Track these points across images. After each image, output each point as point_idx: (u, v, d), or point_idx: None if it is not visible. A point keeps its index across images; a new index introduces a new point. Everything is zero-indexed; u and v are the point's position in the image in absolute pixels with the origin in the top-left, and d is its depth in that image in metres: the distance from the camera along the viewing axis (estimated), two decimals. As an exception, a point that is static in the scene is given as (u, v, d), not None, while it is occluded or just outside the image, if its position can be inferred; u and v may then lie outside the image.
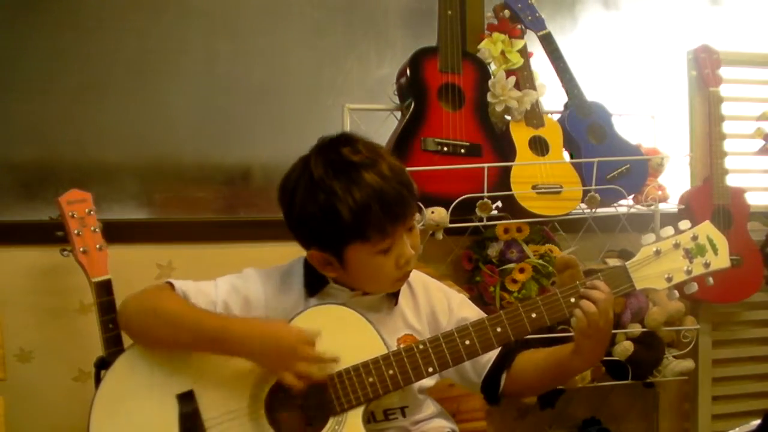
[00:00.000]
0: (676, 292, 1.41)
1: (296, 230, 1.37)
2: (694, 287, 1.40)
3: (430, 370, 1.35)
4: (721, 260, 1.39)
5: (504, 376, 1.46)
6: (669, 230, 1.40)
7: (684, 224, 1.40)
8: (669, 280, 1.38)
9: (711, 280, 1.40)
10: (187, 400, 1.32)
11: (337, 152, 1.32)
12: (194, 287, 1.38)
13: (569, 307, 1.36)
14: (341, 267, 1.36)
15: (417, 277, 1.52)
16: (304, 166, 1.33)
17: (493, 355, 1.46)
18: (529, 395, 1.97)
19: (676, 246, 1.38)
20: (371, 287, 1.41)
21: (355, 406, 1.32)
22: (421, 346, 1.35)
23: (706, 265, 1.38)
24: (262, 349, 1.28)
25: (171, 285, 1.37)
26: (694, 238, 1.39)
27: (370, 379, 1.33)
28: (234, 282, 1.41)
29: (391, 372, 1.33)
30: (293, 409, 1.34)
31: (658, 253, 1.38)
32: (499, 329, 1.36)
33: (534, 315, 1.36)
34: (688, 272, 1.38)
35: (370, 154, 1.32)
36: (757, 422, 1.51)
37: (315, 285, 1.42)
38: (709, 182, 2.31)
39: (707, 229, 1.40)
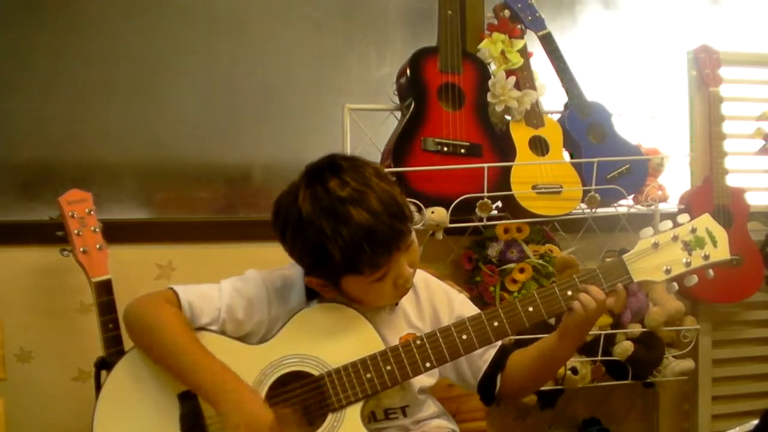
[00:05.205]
0: (675, 284, 1.40)
1: (292, 258, 1.38)
2: (694, 280, 1.38)
3: (428, 365, 1.35)
4: (721, 252, 1.37)
5: (499, 377, 1.47)
6: (667, 224, 1.39)
7: (683, 218, 1.39)
8: (667, 272, 1.36)
9: (711, 272, 1.38)
10: (188, 399, 1.32)
11: (324, 187, 1.29)
12: (198, 294, 1.37)
13: (566, 300, 1.36)
14: (339, 292, 1.37)
15: (419, 275, 1.51)
16: (293, 199, 1.31)
17: (489, 356, 1.46)
18: (525, 394, 1.94)
19: (675, 239, 1.37)
20: (371, 305, 1.41)
21: (354, 402, 1.33)
22: (418, 342, 1.35)
23: (706, 257, 1.36)
24: (234, 418, 1.26)
25: (175, 293, 1.36)
26: (693, 230, 1.37)
27: (368, 375, 1.33)
28: (237, 285, 1.41)
29: (388, 368, 1.33)
30: (293, 406, 1.34)
31: (656, 245, 1.37)
32: (496, 323, 1.36)
33: (531, 309, 1.36)
34: (687, 264, 1.36)
35: (357, 187, 1.28)
36: (756, 422, 1.52)
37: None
38: (709, 182, 2.31)
39: (706, 221, 1.38)
